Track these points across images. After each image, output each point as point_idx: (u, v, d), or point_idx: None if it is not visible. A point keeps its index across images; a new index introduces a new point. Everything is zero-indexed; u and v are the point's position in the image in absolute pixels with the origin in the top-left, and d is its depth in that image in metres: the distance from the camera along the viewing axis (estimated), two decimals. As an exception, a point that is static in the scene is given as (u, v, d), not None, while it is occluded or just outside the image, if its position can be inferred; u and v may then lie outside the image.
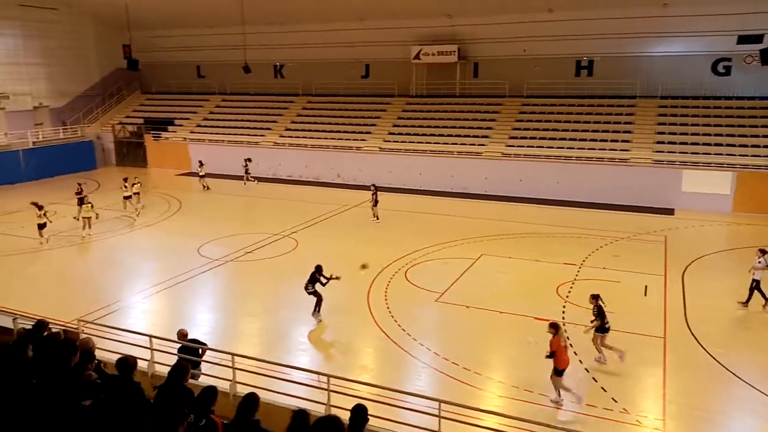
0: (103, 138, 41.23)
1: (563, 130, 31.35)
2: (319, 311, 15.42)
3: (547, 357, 11.11)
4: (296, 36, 38.54)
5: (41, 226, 22.34)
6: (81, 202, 24.91)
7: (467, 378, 12.29)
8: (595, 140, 30.17)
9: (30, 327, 8.53)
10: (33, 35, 38.05)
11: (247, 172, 33.79)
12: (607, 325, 12.64)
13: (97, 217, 24.37)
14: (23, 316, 10.87)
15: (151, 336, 10.58)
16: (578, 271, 18.81)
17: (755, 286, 15.73)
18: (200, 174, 33.25)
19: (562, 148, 30.19)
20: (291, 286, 17.44)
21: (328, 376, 8.96)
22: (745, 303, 15.88)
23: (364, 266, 15.80)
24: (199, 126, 40.13)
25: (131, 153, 40.48)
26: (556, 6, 31.30)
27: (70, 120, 40.75)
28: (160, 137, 39.82)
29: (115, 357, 7.34)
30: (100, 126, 41.89)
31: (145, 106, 44.29)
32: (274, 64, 41.46)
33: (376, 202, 25.40)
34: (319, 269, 15.24)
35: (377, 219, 25.41)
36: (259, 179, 34.24)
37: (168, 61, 43.96)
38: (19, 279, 18.81)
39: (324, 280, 15.17)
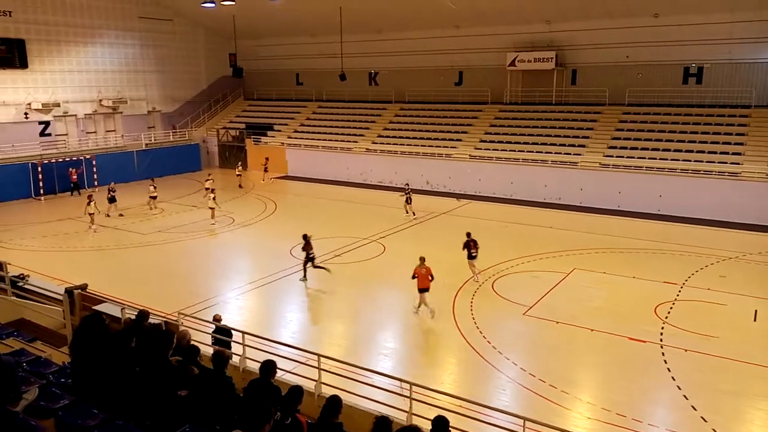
0: (208, 141, 43.76)
1: (667, 141, 29.66)
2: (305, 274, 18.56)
3: (412, 278, 15.55)
4: (391, 44, 39.06)
5: (92, 215, 25.16)
6: (112, 200, 27.53)
7: (554, 396, 11.89)
8: (702, 152, 28.29)
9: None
10: (149, 45, 41.14)
11: (266, 170, 36.86)
12: (473, 254, 18.18)
13: (217, 199, 27.00)
14: (130, 305, 11.66)
15: (243, 332, 11.05)
16: (679, 291, 17.71)
17: None
18: (265, 169, 36.74)
19: (666, 159, 28.56)
20: (376, 289, 17.68)
21: (411, 383, 8.95)
22: None
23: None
24: (296, 131, 41.58)
25: (233, 156, 42.60)
26: (662, 11, 29.73)
27: (179, 124, 43.59)
28: (260, 141, 41.63)
29: (209, 350, 7.74)
30: (206, 130, 44.47)
31: (247, 111, 46.51)
32: (368, 72, 42.25)
33: (409, 200, 27.06)
34: (304, 237, 18.72)
35: (414, 215, 26.91)
36: (351, 184, 35.24)
37: (269, 69, 46.07)
38: (129, 271, 20.30)
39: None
